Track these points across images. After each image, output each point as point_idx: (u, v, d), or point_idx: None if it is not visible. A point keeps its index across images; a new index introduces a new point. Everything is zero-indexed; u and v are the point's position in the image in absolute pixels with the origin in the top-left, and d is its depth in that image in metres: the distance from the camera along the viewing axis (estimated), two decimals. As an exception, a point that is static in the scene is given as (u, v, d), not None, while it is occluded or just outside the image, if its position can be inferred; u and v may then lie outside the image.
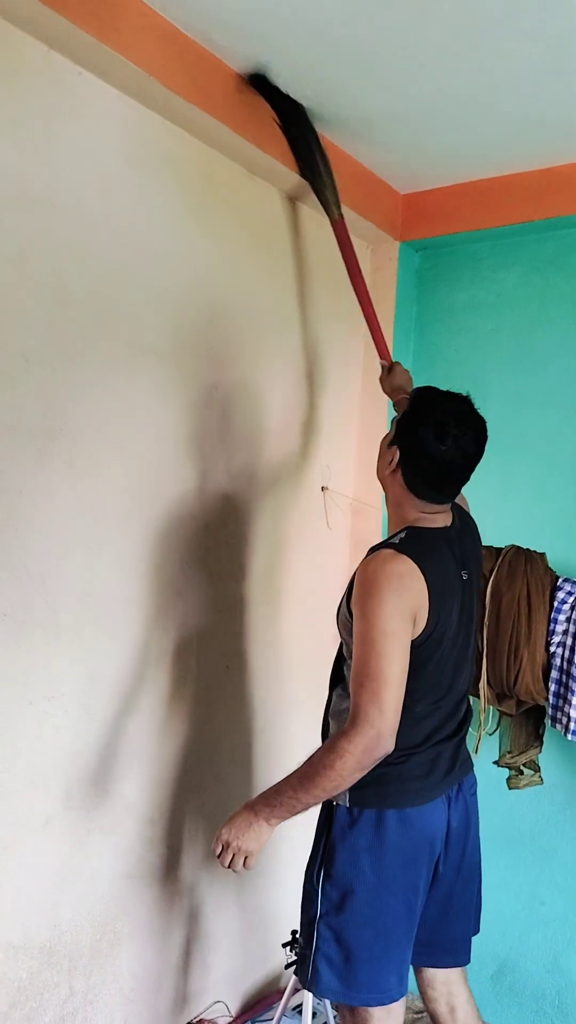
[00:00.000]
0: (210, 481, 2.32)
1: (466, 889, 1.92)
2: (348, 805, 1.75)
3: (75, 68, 1.88)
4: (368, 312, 2.42)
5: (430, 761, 1.79)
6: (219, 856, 1.71)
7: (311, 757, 1.65)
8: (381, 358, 2.42)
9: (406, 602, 1.65)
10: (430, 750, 1.79)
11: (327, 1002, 2.18)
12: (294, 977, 2.14)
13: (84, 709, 1.98)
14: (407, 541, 1.76)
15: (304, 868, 1.84)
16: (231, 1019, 2.47)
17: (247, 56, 2.09)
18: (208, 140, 2.21)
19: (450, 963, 1.96)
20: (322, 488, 2.78)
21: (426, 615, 1.69)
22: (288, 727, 2.70)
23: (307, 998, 2.08)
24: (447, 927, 1.91)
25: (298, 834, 2.71)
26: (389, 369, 2.38)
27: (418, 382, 2.90)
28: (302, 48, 2.03)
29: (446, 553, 1.80)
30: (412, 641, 1.67)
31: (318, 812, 1.83)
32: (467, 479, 1.84)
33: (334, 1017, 2.33)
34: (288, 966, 2.11)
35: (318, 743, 1.78)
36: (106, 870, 2.07)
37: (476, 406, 1.80)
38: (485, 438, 1.81)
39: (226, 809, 2.02)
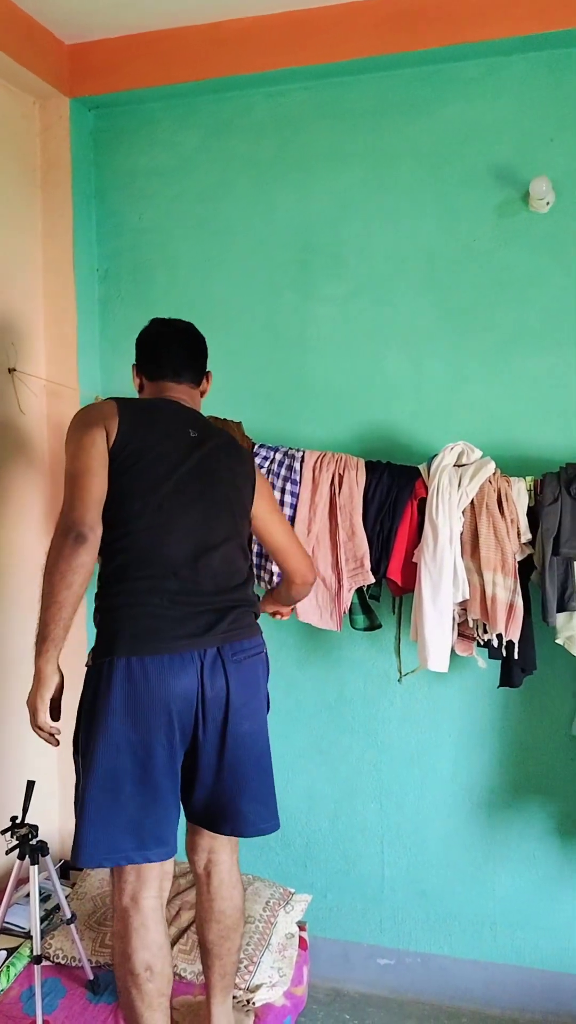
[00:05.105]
0: None
1: (240, 761, 1.88)
2: (90, 663, 1.82)
3: None
4: None
5: (176, 619, 1.80)
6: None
7: None
8: None
9: (91, 420, 1.87)
10: (173, 608, 1.80)
11: (57, 883, 2.15)
12: (17, 863, 2.09)
13: None
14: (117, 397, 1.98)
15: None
16: (-39, 924, 2.38)
17: None
18: None
19: (225, 831, 1.92)
20: (9, 370, 2.59)
21: (116, 425, 1.85)
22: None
23: (33, 884, 2.04)
24: (220, 795, 1.88)
25: (19, 730, 2.60)
26: None
27: (104, 254, 2.78)
28: None
29: (166, 409, 1.97)
30: (109, 450, 1.84)
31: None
32: (182, 352, 2.06)
33: (66, 897, 2.32)
34: (8, 851, 2.05)
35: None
36: None
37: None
38: (191, 327, 2.10)
39: None
